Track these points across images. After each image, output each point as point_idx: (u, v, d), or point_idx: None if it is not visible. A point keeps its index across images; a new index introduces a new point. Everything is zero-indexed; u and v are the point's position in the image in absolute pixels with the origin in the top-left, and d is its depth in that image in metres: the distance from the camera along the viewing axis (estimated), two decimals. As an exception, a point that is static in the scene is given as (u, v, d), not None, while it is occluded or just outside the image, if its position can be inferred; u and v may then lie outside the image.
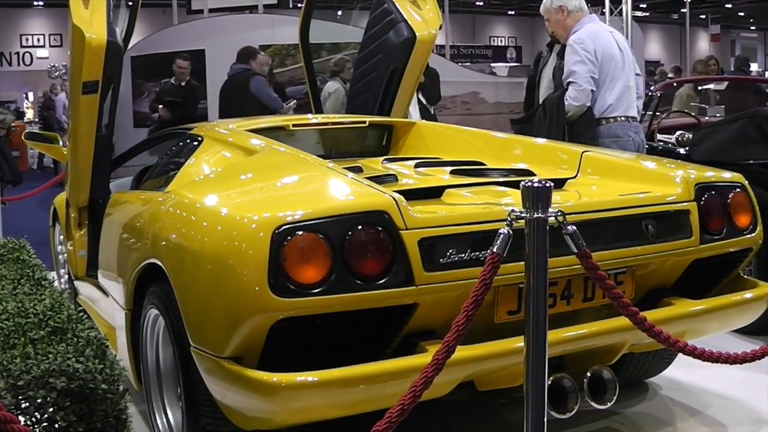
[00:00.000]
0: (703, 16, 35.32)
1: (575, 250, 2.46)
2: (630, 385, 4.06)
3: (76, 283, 4.99)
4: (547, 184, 2.40)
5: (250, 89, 8.53)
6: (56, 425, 2.19)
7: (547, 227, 2.40)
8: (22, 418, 2.17)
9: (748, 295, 3.38)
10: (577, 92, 5.02)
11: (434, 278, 2.66)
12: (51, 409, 2.18)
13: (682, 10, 31.32)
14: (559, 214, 2.42)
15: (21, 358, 2.29)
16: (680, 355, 3.05)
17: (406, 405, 2.15)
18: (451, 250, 2.70)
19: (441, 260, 2.68)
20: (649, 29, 39.88)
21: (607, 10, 13.44)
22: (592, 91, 5.03)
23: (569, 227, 2.45)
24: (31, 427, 2.17)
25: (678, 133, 6.23)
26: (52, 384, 2.20)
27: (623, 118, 5.10)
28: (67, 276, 5.45)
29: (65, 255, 5.37)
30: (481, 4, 33.76)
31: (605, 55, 5.08)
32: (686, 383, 4.20)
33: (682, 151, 5.90)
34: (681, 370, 4.20)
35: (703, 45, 38.75)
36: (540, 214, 2.38)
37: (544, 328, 2.42)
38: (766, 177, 4.95)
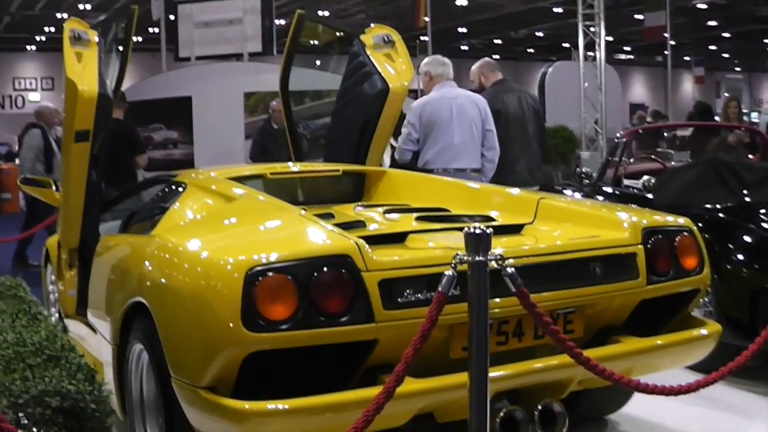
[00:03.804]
0: (688, 58, 35.35)
1: (513, 290, 2.65)
2: (589, 420, 4.16)
3: (66, 321, 5.11)
4: (488, 231, 2.61)
5: None
6: (51, 439, 2.47)
7: (488, 270, 2.59)
8: (21, 432, 2.44)
9: (695, 332, 3.52)
10: (397, 148, 6.22)
11: (393, 316, 2.87)
12: (46, 425, 2.44)
13: (666, 53, 31.47)
14: (499, 258, 2.62)
15: (21, 380, 2.59)
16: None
17: (359, 429, 2.37)
18: (407, 290, 2.91)
19: (399, 299, 2.89)
20: (633, 72, 39.94)
21: (581, 55, 13.67)
22: (409, 150, 6.09)
23: (508, 269, 2.65)
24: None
25: (644, 178, 6.42)
26: (48, 402, 2.49)
27: (441, 170, 5.98)
28: (57, 314, 5.57)
29: (56, 294, 5.53)
30: (466, 48, 33.96)
31: (429, 121, 6.06)
32: (645, 419, 4.26)
33: (649, 195, 6.04)
34: (640, 407, 4.24)
35: (687, 87, 38.72)
36: (480, 258, 2.58)
37: (485, 364, 2.60)
38: (722, 219, 5.11)
